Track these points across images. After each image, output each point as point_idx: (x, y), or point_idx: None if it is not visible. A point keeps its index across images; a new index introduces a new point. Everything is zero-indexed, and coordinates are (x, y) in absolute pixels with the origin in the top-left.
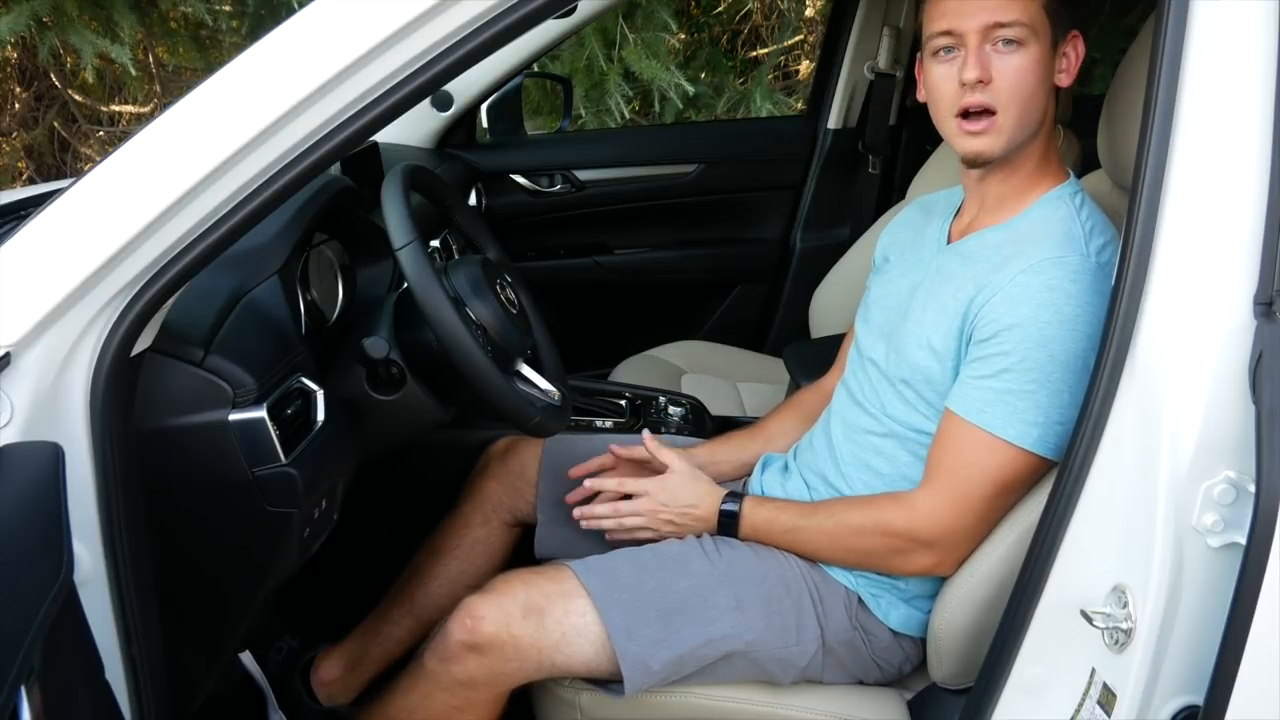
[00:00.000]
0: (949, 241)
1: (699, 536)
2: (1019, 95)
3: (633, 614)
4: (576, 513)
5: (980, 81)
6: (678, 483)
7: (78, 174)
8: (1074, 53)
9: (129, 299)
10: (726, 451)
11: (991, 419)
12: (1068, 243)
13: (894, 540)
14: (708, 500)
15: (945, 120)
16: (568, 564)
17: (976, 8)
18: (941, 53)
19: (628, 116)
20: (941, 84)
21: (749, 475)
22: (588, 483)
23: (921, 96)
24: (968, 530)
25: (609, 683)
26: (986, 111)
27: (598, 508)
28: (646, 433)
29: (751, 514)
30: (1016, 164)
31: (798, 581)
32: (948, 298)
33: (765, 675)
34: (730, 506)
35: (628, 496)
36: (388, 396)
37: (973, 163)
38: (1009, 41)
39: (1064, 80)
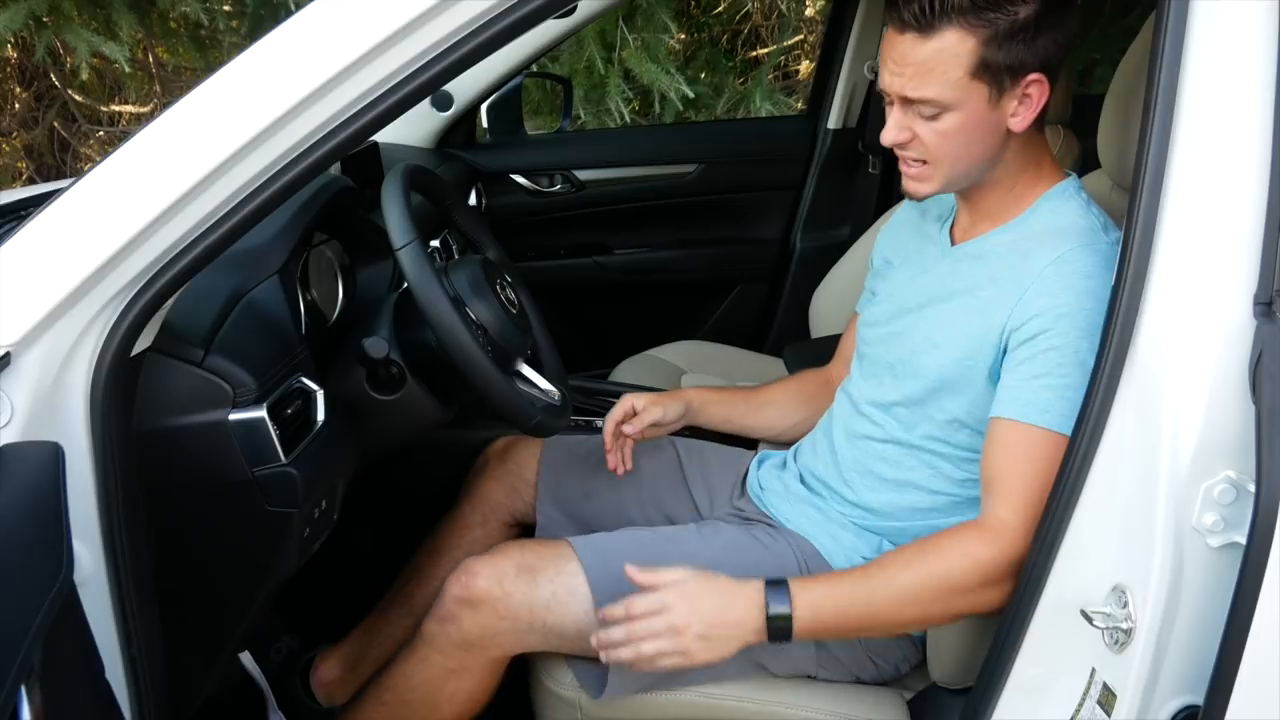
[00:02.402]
0: (953, 243)
1: (696, 523)
2: (946, 154)
3: (622, 586)
4: (592, 640)
5: (900, 143)
6: (694, 590)
7: (78, 174)
8: (1036, 94)
9: (129, 299)
10: (716, 407)
11: (1053, 418)
12: (1089, 232)
13: (991, 572)
14: (738, 608)
15: None
16: (568, 540)
17: (895, 73)
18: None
19: (628, 118)
20: None
21: (745, 472)
22: (600, 615)
23: None
24: None
25: (604, 682)
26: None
27: (614, 632)
28: (631, 569)
29: (802, 595)
30: (985, 187)
31: (793, 571)
32: (961, 301)
33: (758, 665)
34: (780, 609)
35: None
36: (388, 396)
37: (913, 196)
38: (926, 113)
39: (1017, 125)
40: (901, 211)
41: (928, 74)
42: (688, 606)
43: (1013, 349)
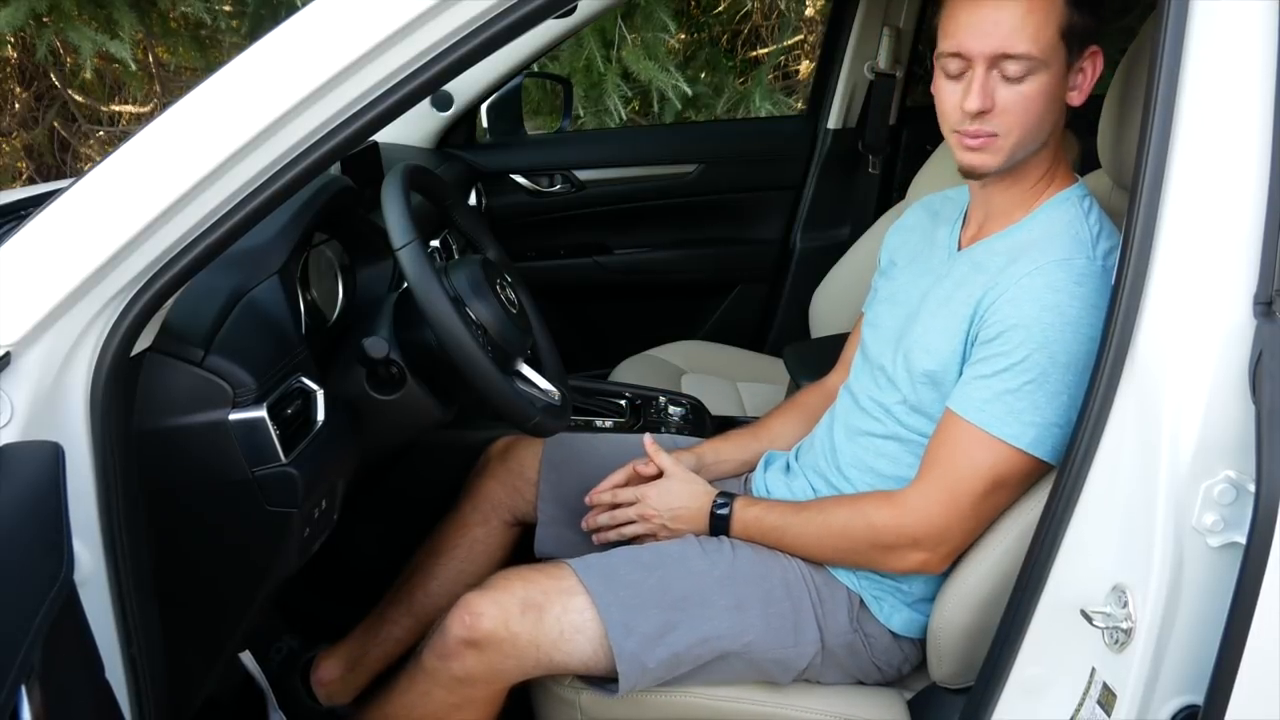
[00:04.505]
0: (960, 248)
1: (699, 536)
2: (1022, 122)
3: (630, 611)
4: (583, 523)
5: (982, 112)
6: (669, 486)
7: (78, 174)
8: (1091, 69)
9: (129, 299)
10: (729, 450)
11: (987, 417)
12: (1074, 245)
13: (881, 536)
14: (698, 502)
15: (946, 130)
16: (567, 562)
17: (985, 33)
18: (950, 70)
19: (626, 118)
20: (945, 100)
21: (752, 472)
22: (588, 498)
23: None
24: (957, 528)
25: (606, 681)
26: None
27: (599, 516)
28: (648, 436)
29: (741, 514)
30: (1020, 174)
31: (799, 583)
32: (959, 304)
33: (763, 675)
34: (722, 510)
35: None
36: (388, 396)
37: (968, 174)
38: (1016, 73)
39: (1075, 99)
40: (911, 211)
41: (1022, 30)
42: (658, 501)
43: (973, 347)
